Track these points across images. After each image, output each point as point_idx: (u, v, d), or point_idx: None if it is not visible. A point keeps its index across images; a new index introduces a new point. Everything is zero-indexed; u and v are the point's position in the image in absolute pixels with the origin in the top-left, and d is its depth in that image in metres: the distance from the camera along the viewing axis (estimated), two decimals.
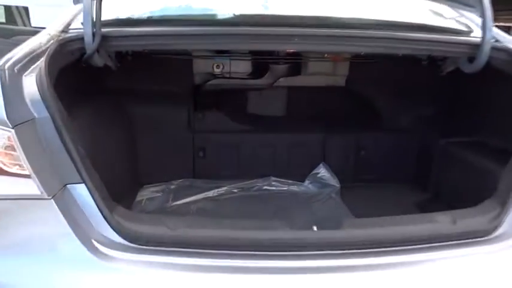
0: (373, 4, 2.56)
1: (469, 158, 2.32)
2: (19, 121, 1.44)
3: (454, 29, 2.33)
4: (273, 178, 2.82)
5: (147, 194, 2.66)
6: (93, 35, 1.82)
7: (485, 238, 1.54)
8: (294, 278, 1.37)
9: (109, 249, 1.43)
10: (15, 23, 5.86)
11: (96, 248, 1.42)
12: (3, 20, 5.98)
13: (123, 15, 2.19)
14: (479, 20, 2.37)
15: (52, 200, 1.41)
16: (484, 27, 2.00)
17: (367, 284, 1.40)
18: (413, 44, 2.04)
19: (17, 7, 5.84)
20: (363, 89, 3.08)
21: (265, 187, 2.77)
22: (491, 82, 2.21)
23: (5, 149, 1.42)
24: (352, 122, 3.15)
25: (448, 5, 2.45)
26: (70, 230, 1.41)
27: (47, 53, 1.65)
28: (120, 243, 1.45)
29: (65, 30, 1.97)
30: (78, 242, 1.41)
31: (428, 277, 1.45)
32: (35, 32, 2.25)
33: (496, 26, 2.17)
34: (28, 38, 1.94)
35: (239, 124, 2.97)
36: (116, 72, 2.31)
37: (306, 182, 2.83)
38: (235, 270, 1.39)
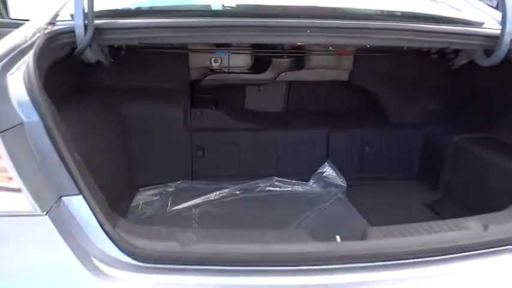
0: None
1: (486, 155, 2.21)
2: (5, 127, 1.26)
3: (466, 20, 2.21)
4: (276, 178, 2.68)
5: (143, 197, 2.50)
6: (85, 27, 1.65)
7: None
8: None
9: (112, 269, 1.27)
10: None
11: (98, 268, 1.26)
12: None
13: (117, 6, 2.00)
14: (481, 11, 2.30)
15: (46, 216, 1.24)
16: (503, 19, 1.89)
17: None
18: (433, 37, 1.92)
19: None
20: (367, 84, 2.96)
21: (268, 188, 2.63)
22: (507, 75, 2.10)
23: None
24: (357, 118, 3.04)
25: None
26: (68, 249, 1.24)
27: (34, 48, 1.46)
28: (125, 262, 1.29)
29: (53, 22, 1.78)
30: (77, 262, 1.25)
31: None
32: (16, 24, 2.05)
33: None
34: (9, 32, 1.73)
35: (239, 121, 2.81)
36: (109, 69, 2.14)
37: (311, 182, 2.70)
38: None
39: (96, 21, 1.68)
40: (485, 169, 2.20)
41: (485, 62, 2.07)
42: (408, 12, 2.08)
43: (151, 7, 2.10)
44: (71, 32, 1.66)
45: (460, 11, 2.33)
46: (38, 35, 1.61)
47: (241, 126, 2.80)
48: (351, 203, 2.52)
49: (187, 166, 2.72)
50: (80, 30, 1.64)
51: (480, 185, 2.22)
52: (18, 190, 1.23)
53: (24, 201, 1.23)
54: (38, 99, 1.30)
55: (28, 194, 1.23)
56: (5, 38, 1.62)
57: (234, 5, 2.09)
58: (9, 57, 1.44)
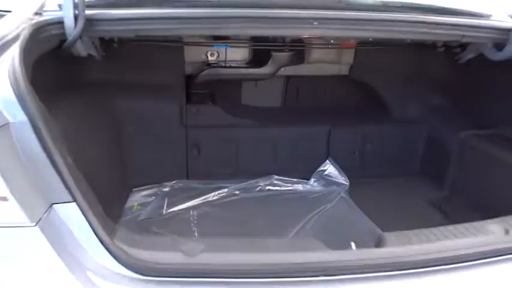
0: None
1: (495, 152, 2.14)
2: None
3: (474, 12, 2.12)
4: (276, 177, 2.58)
5: (137, 198, 2.38)
6: (75, 17, 1.51)
7: None
8: None
9: (111, 284, 1.16)
10: None
11: (94, 284, 1.15)
12: None
13: None
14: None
15: (36, 226, 1.13)
16: None
17: None
18: (445, 29, 1.82)
19: None
20: (368, 78, 2.87)
21: (268, 187, 2.53)
22: None
23: None
24: (357, 114, 2.95)
25: None
26: (61, 263, 1.13)
27: (19, 41, 1.32)
28: (124, 276, 1.18)
29: (39, 12, 1.64)
30: (71, 277, 1.13)
31: None
32: None
33: None
34: None
35: (236, 118, 2.70)
36: (100, 62, 2.01)
37: (312, 180, 2.61)
38: None
39: (87, 12, 1.54)
40: (494, 166, 2.14)
41: (496, 55, 2.00)
42: (418, 4, 1.98)
43: None
44: (59, 23, 1.52)
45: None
46: (24, 26, 1.47)
47: (238, 122, 2.69)
48: (353, 199, 2.43)
49: (182, 165, 2.60)
50: (69, 21, 1.50)
51: (489, 183, 2.15)
52: (4, 199, 1.11)
53: (11, 211, 1.11)
54: (25, 97, 1.17)
55: (15, 203, 1.11)
56: None
57: None
58: None
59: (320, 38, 2.49)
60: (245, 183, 2.50)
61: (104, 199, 1.93)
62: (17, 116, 1.17)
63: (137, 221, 2.10)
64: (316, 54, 2.68)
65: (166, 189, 2.47)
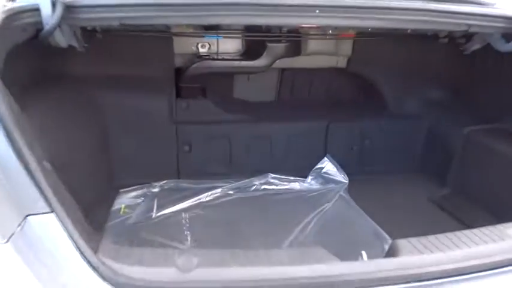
0: None
1: (501, 148, 2.05)
2: None
3: (478, 0, 2.02)
4: (271, 175, 2.46)
5: (125, 200, 2.23)
6: (53, 3, 1.37)
7: None
8: None
9: None
10: None
11: None
12: None
13: None
14: None
15: (9, 243, 0.98)
16: None
17: None
18: (451, 18, 1.70)
19: None
20: (367, 71, 2.75)
21: (263, 186, 2.41)
22: None
23: None
24: (356, 108, 2.84)
25: None
26: (38, 284, 0.99)
27: None
28: None
29: None
30: None
31: None
32: None
33: None
34: None
35: (229, 113, 2.56)
36: (82, 54, 1.85)
37: (309, 178, 2.49)
38: None
39: None
40: (501, 163, 2.04)
41: (504, 47, 1.90)
42: None
43: None
44: (35, 9, 1.37)
45: None
46: None
47: (232, 118, 2.56)
48: (352, 198, 2.32)
49: (172, 163, 2.46)
50: (46, 8, 1.36)
51: (495, 181, 2.06)
52: None
53: None
54: None
55: None
56: None
57: None
58: None
59: (318, 28, 2.35)
60: (239, 182, 2.38)
61: (88, 203, 1.80)
62: None
63: (125, 226, 1.95)
64: (313, 45, 2.55)
65: (156, 189, 2.34)
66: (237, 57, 2.52)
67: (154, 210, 2.11)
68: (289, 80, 2.92)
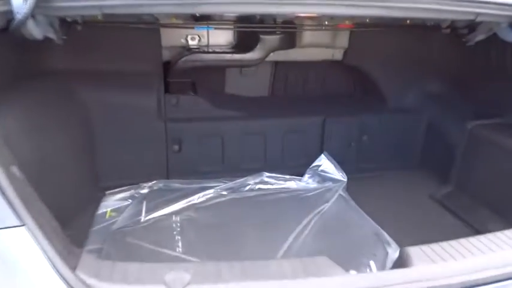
0: None
1: (509, 144, 1.95)
2: None
3: None
4: (266, 174, 2.35)
5: (111, 203, 2.11)
6: None
7: None
8: None
9: None
10: None
11: None
12: None
13: None
14: None
15: None
16: None
17: None
18: (458, 6, 1.59)
19: None
20: (364, 63, 2.64)
21: (258, 186, 2.29)
22: None
23: None
24: (353, 103, 2.74)
25: None
26: None
27: None
28: None
29: None
30: None
31: None
32: None
33: None
34: None
35: (221, 109, 2.44)
36: (62, 48, 1.72)
37: (306, 177, 2.38)
38: None
39: None
40: (508, 160, 1.95)
41: None
42: None
43: None
44: None
45: None
46: None
47: (223, 114, 2.43)
48: (351, 197, 2.22)
49: (162, 163, 2.34)
50: None
51: (501, 178, 1.97)
52: None
53: None
54: None
55: None
56: None
57: None
58: None
59: (314, 18, 2.23)
60: (233, 182, 2.26)
61: (71, 207, 1.67)
62: None
63: (111, 231, 1.82)
64: (308, 37, 2.44)
65: (145, 191, 2.21)
66: (229, 50, 2.40)
67: (143, 214, 1.98)
68: (284, 73, 2.80)
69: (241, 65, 2.52)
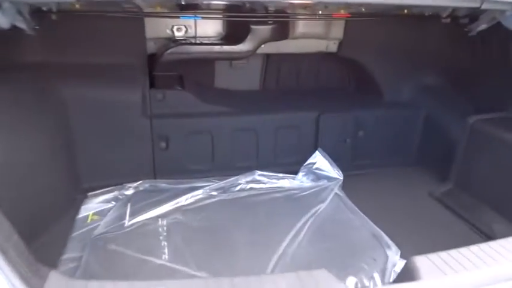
0: None
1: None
2: None
3: None
4: (258, 172, 2.23)
5: (93, 205, 1.99)
6: None
7: None
8: None
9: None
10: None
11: None
12: None
13: None
14: None
15: None
16: None
17: None
18: None
19: None
20: (360, 55, 2.54)
21: (250, 185, 2.18)
22: None
23: None
24: (348, 97, 2.63)
25: None
26: None
27: None
28: None
29: None
30: None
31: None
32: None
33: None
34: None
35: (210, 104, 2.32)
36: (36, 40, 1.58)
37: (300, 175, 2.27)
38: None
39: None
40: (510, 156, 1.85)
41: None
42: None
43: None
44: None
45: None
46: None
47: (213, 109, 2.31)
48: (348, 196, 2.11)
49: (148, 162, 2.22)
50: None
51: (504, 175, 1.88)
52: None
53: None
54: None
55: None
56: None
57: None
58: None
59: (308, 6, 2.10)
60: (223, 181, 2.14)
61: (48, 211, 1.55)
62: None
63: (92, 238, 1.69)
64: (301, 27, 2.32)
65: (129, 192, 2.09)
66: (218, 42, 2.27)
67: (127, 217, 1.85)
68: (275, 66, 2.69)
69: (231, 58, 2.40)
